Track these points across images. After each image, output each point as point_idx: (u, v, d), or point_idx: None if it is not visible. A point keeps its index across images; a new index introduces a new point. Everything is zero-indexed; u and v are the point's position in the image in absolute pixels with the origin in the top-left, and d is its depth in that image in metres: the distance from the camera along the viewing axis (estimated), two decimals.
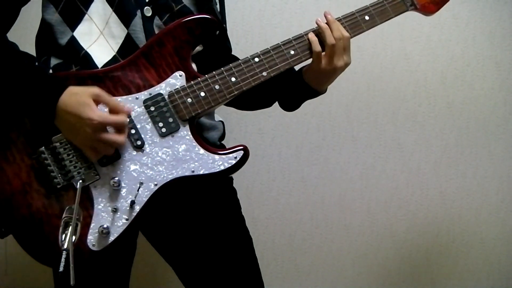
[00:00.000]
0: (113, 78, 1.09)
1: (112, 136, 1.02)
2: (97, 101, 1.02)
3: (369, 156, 2.00)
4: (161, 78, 1.11)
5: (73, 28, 1.12)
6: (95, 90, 1.03)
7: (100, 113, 1.01)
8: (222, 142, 1.29)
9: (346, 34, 1.18)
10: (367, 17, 1.21)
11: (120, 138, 1.03)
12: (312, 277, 2.04)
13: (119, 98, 1.08)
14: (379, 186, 2.01)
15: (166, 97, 1.10)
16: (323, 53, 1.17)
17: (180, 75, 1.11)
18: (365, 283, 2.06)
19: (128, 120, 1.05)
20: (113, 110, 1.04)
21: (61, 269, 0.93)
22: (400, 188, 2.02)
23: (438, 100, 2.00)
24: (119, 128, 1.04)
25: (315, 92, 1.25)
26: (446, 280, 2.09)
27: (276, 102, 1.36)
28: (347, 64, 1.19)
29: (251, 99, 1.29)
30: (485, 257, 2.09)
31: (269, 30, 1.89)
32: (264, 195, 1.98)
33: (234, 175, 1.21)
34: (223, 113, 1.36)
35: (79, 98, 1.01)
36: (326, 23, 1.18)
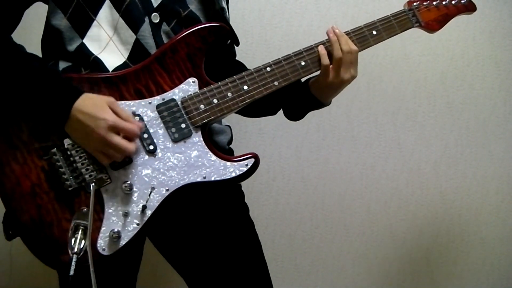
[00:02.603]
0: (126, 82, 1.08)
1: (122, 141, 1.01)
2: (112, 108, 1.02)
3: (369, 156, 2.00)
4: (174, 84, 1.11)
5: (82, 35, 1.11)
6: (111, 98, 1.04)
7: (115, 116, 1.01)
8: (230, 146, 1.29)
9: (354, 47, 1.18)
10: (374, 32, 1.23)
11: (130, 145, 1.03)
12: (312, 277, 2.04)
13: (132, 102, 1.08)
14: (379, 186, 2.01)
15: (179, 102, 1.10)
16: (331, 66, 1.18)
17: (193, 81, 1.11)
18: (365, 283, 2.06)
19: (139, 133, 1.05)
20: (125, 121, 1.03)
21: (71, 272, 0.93)
22: (400, 188, 2.02)
23: (438, 100, 2.00)
24: (129, 136, 1.03)
25: (320, 104, 1.26)
26: (446, 280, 2.09)
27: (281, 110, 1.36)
28: (353, 77, 1.20)
29: (256, 107, 1.28)
30: (485, 257, 2.09)
31: (269, 30, 1.89)
32: (264, 195, 1.98)
33: None
34: None
35: (96, 102, 1.01)
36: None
